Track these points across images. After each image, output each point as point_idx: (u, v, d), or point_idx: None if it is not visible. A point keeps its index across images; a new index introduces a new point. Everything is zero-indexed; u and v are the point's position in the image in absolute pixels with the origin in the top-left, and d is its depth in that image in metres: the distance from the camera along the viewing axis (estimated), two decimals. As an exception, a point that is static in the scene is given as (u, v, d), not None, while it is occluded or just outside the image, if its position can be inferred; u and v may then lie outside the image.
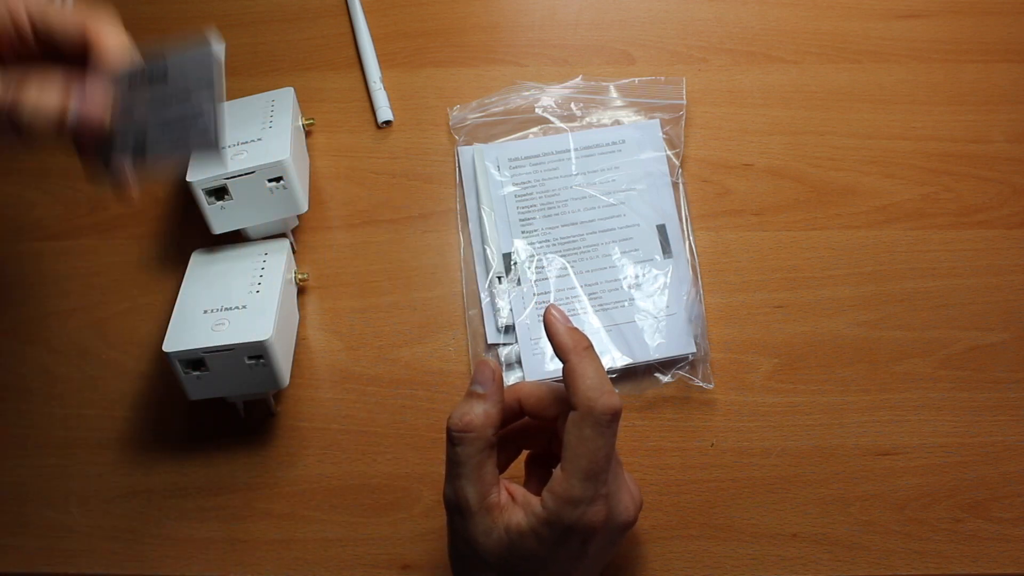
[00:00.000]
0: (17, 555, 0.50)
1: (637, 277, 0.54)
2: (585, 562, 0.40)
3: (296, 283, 0.54)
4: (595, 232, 0.55)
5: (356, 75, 0.61)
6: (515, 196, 0.56)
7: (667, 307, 0.53)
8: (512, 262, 0.54)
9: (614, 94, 0.59)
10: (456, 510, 0.40)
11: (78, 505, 0.51)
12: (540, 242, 0.55)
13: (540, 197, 0.56)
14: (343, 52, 0.62)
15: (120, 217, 0.57)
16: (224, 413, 0.52)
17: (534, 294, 0.53)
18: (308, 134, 0.58)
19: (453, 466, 0.40)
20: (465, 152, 0.57)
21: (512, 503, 0.40)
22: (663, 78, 0.59)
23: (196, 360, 0.47)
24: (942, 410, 0.51)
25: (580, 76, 0.59)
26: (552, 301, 0.53)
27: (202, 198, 0.50)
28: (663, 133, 0.57)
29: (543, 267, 0.54)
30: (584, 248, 0.55)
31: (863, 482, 0.50)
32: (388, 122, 0.58)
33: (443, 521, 0.50)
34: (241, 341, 0.46)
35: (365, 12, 0.63)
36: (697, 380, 0.51)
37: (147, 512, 0.51)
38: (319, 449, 0.52)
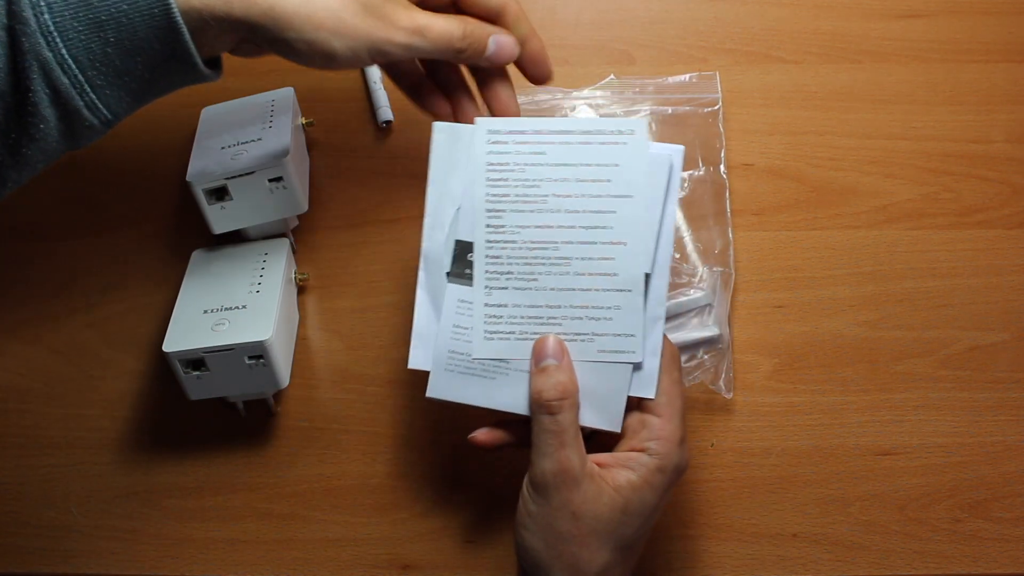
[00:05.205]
0: (17, 555, 0.50)
1: (607, 309, 0.43)
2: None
3: (296, 283, 0.54)
4: (571, 243, 0.43)
5: (356, 75, 0.61)
6: (487, 180, 0.44)
7: (628, 350, 0.42)
8: (466, 257, 0.44)
9: (648, 93, 0.53)
10: (559, 483, 0.40)
11: (78, 505, 0.51)
12: (504, 241, 0.43)
13: (516, 186, 0.43)
14: (343, 52, 0.62)
15: (120, 217, 0.57)
16: (224, 413, 0.52)
17: (484, 304, 0.43)
18: (308, 134, 0.58)
19: (555, 436, 0.40)
20: (440, 129, 0.45)
21: (606, 467, 0.41)
22: (696, 75, 0.58)
23: (196, 360, 0.47)
24: (942, 410, 0.51)
25: (611, 75, 0.58)
26: (532, 322, 0.43)
27: (202, 198, 0.50)
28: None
29: (500, 274, 0.43)
30: (553, 260, 0.43)
31: (863, 482, 0.50)
32: (388, 122, 0.58)
33: (443, 521, 0.50)
34: (241, 341, 0.46)
35: (365, 12, 0.63)
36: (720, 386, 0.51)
37: (147, 512, 0.51)
38: (319, 449, 0.52)
